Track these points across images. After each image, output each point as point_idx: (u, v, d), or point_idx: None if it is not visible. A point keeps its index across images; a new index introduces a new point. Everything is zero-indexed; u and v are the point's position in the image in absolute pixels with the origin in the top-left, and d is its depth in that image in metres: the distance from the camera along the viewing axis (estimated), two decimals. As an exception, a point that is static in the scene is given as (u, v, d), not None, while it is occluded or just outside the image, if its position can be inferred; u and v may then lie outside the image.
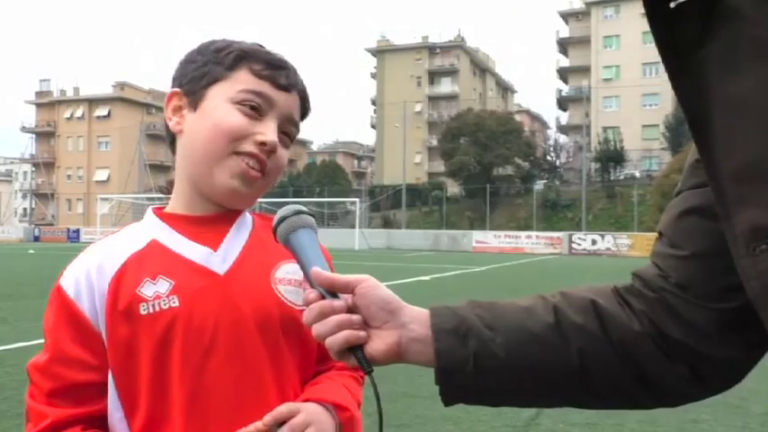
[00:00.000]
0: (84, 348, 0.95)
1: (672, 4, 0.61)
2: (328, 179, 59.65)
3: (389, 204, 54.03)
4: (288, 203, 1.21)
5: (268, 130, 0.99)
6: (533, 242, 35.80)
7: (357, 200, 42.14)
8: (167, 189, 1.12)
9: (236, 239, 1.03)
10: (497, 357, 0.75)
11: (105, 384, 0.95)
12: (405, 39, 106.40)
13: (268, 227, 0.94)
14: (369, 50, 73.90)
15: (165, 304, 0.95)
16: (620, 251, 32.61)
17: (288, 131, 1.05)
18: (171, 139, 1.08)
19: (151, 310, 0.94)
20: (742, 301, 0.68)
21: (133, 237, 1.03)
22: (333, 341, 0.76)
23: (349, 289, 0.78)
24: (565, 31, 67.60)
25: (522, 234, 37.61)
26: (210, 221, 1.03)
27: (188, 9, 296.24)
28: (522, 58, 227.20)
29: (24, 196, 73.61)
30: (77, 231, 47.92)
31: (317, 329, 0.77)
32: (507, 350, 0.75)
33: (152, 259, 0.98)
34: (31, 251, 31.28)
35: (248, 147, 0.99)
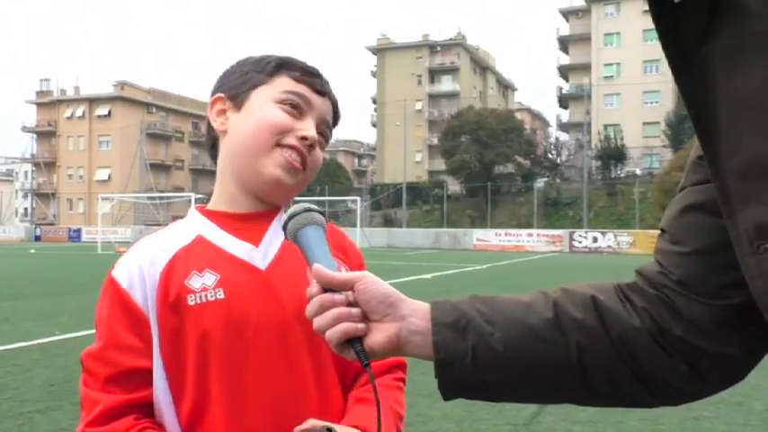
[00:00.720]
0: (137, 336, 0.99)
1: (676, 0, 0.61)
2: (329, 178, 59.60)
3: (390, 203, 54.02)
4: (304, 204, 1.20)
5: (309, 126, 1.07)
6: (534, 240, 35.78)
7: (358, 198, 42.08)
8: (208, 199, 1.18)
9: (276, 236, 1.07)
10: (496, 351, 0.75)
11: (152, 372, 0.99)
12: (405, 37, 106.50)
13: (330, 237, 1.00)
14: (369, 49, 73.84)
15: (211, 296, 1.00)
16: (622, 249, 32.58)
17: (323, 133, 1.12)
18: (211, 143, 1.14)
19: (198, 301, 0.99)
20: (743, 297, 0.68)
21: (179, 233, 1.08)
22: (332, 334, 0.77)
23: (348, 286, 0.79)
24: (565, 29, 67.54)
25: (524, 232, 37.58)
26: (252, 218, 1.08)
27: (189, 8, 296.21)
28: (523, 56, 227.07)
29: (25, 196, 73.65)
30: (78, 231, 47.94)
31: (317, 323, 0.78)
32: (506, 344, 0.75)
33: (198, 253, 1.04)
34: (33, 251, 31.32)
35: (291, 140, 1.05)
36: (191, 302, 0.99)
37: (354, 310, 0.78)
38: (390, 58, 70.75)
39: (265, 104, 1.06)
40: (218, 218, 1.08)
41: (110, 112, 67.43)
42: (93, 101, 68.82)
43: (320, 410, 1.02)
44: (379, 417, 0.80)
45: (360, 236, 36.95)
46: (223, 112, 1.10)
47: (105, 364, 0.99)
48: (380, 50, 71.85)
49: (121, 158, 64.28)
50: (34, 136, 71.95)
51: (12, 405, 4.60)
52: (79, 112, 68.61)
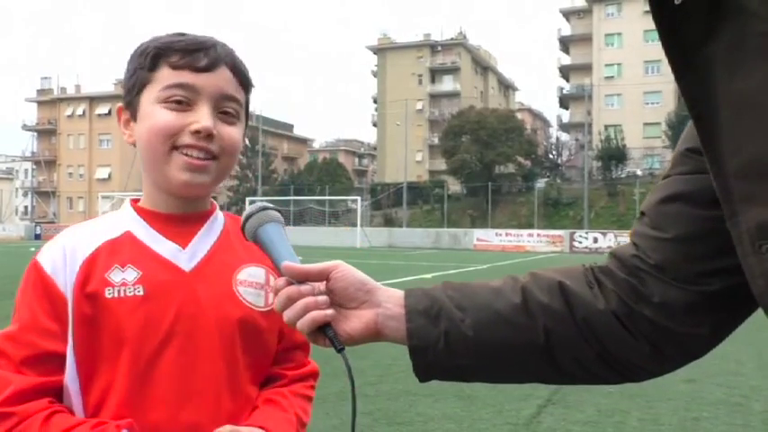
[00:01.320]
0: (56, 320, 0.99)
1: (677, 1, 0.61)
2: (329, 177, 59.60)
3: (391, 202, 53.99)
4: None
5: (200, 117, 1.01)
6: (535, 240, 35.77)
7: (358, 198, 42.12)
8: None
9: (206, 239, 1.08)
10: (466, 336, 0.78)
11: (65, 358, 0.99)
12: (406, 36, 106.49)
13: (238, 229, 0.97)
14: (370, 48, 73.82)
15: (130, 292, 0.99)
16: (622, 249, 32.50)
17: (226, 109, 1.05)
18: None
19: (116, 295, 0.99)
20: (718, 285, 0.71)
21: (109, 225, 1.08)
22: (302, 324, 0.79)
23: (324, 276, 0.81)
24: (566, 29, 67.50)
25: (524, 232, 37.58)
26: (182, 220, 1.07)
27: (190, 7, 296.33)
28: (524, 56, 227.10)
29: (25, 194, 73.65)
30: (79, 229, 47.81)
31: (286, 315, 0.80)
32: (476, 329, 0.78)
33: (124, 248, 1.03)
34: (33, 249, 31.29)
35: (185, 139, 1.01)
36: (108, 295, 0.99)
37: (321, 298, 0.80)
38: (391, 57, 70.71)
39: (152, 108, 1.03)
40: (149, 216, 1.07)
41: (110, 111, 67.32)
42: (93, 99, 68.84)
43: (230, 413, 1.02)
44: (354, 409, 0.80)
45: (360, 235, 36.95)
46: (128, 122, 1.08)
47: (22, 345, 0.98)
48: (381, 50, 71.81)
49: (122, 157, 64.27)
50: (35, 134, 71.99)
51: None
52: (80, 111, 68.64)
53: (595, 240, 34.19)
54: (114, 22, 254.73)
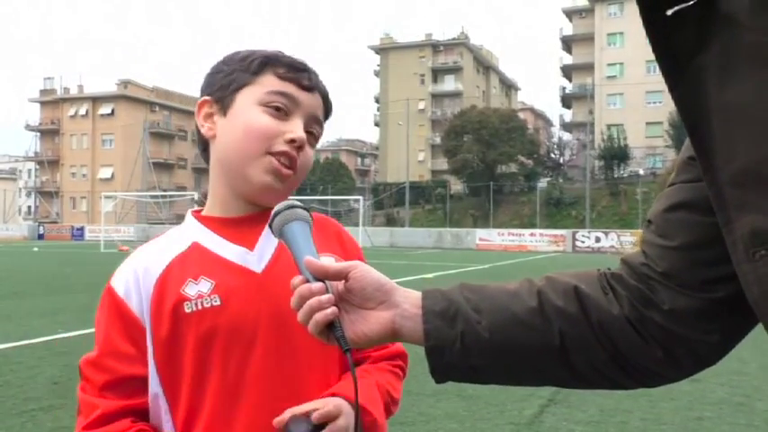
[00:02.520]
0: (133, 344, 1.00)
1: (668, 12, 0.62)
2: (331, 177, 59.63)
3: (393, 202, 53.98)
4: (289, 200, 1.21)
5: (296, 128, 1.05)
6: (537, 240, 35.74)
7: (360, 198, 42.07)
8: (203, 201, 1.18)
9: (271, 238, 1.06)
10: (482, 338, 0.79)
11: (147, 379, 1.01)
12: (408, 36, 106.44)
13: (320, 230, 1.04)
14: (372, 48, 73.80)
15: (207, 303, 1.00)
16: (625, 249, 32.50)
17: (313, 130, 1.10)
18: (203, 146, 1.13)
19: (195, 308, 1.00)
20: (725, 292, 0.71)
21: (175, 240, 1.09)
22: (310, 326, 0.80)
23: (342, 275, 0.82)
24: (569, 29, 67.40)
25: (526, 232, 37.55)
26: (246, 222, 1.08)
27: (193, 7, 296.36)
28: (526, 56, 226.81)
29: (28, 194, 73.80)
30: (81, 229, 48.03)
31: (299, 316, 0.81)
32: (492, 331, 0.79)
33: (194, 260, 1.04)
34: (36, 249, 31.39)
35: (280, 146, 1.04)
36: (187, 310, 1.00)
37: (324, 297, 0.80)
38: (393, 57, 70.70)
39: (250, 108, 1.05)
40: (212, 223, 1.09)
41: (113, 111, 67.52)
42: (96, 99, 68.91)
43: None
44: (356, 392, 0.82)
45: (362, 235, 36.94)
46: (210, 116, 1.09)
47: (102, 371, 1.00)
48: (384, 50, 71.80)
49: (124, 157, 64.37)
50: (38, 134, 72.10)
51: (15, 403, 4.61)
52: (83, 111, 68.71)
53: (597, 240, 34.15)
54: (117, 23, 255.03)
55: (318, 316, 0.79)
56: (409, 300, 0.82)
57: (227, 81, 1.07)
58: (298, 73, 1.07)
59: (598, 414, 4.40)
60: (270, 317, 1.02)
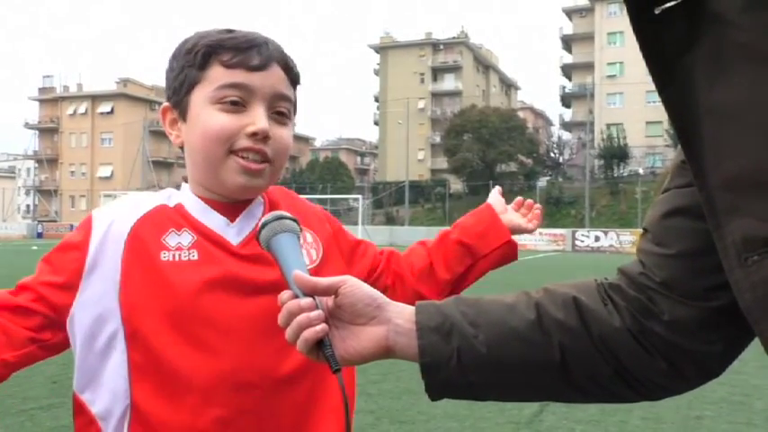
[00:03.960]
0: (65, 272, 0.99)
1: (656, 10, 0.61)
2: (331, 176, 59.56)
3: (392, 201, 53.95)
4: (277, 211, 1.20)
5: (256, 119, 0.99)
6: (536, 239, 35.71)
7: (360, 197, 42.06)
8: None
9: (253, 215, 1.07)
10: (480, 353, 0.76)
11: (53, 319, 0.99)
12: (408, 35, 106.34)
13: (285, 200, 1.08)
14: (372, 47, 73.72)
15: (185, 256, 0.99)
16: (624, 248, 32.52)
17: (280, 109, 1.03)
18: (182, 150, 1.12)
19: (171, 258, 0.99)
20: (726, 300, 0.69)
21: (162, 196, 1.08)
22: (298, 345, 0.76)
23: (332, 291, 0.79)
24: (568, 28, 67.35)
25: (525, 231, 37.49)
26: (229, 203, 1.07)
27: (192, 4, 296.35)
28: (526, 55, 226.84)
29: (27, 193, 73.69)
30: (81, 228, 47.87)
31: (287, 334, 0.77)
32: (489, 346, 0.76)
33: (176, 216, 1.04)
34: (35, 248, 31.35)
35: (242, 142, 0.99)
36: (163, 258, 0.99)
37: (314, 314, 0.76)
38: (393, 56, 70.64)
39: (204, 110, 1.00)
40: (201, 198, 1.08)
41: (112, 109, 67.42)
42: (95, 98, 68.82)
43: (290, 374, 1.01)
44: (346, 408, 0.79)
45: (362, 234, 36.93)
46: (174, 122, 1.06)
47: (46, 272, 1.00)
48: (383, 48, 71.73)
49: (124, 155, 64.31)
50: (36, 133, 72.02)
51: (14, 402, 4.61)
52: (82, 109, 68.62)
53: (597, 239, 34.13)
54: (116, 21, 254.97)
55: (307, 333, 0.75)
56: (402, 315, 0.79)
57: (178, 82, 1.04)
58: (245, 54, 1.00)
59: (598, 413, 4.40)
60: (238, 285, 1.00)
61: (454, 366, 0.76)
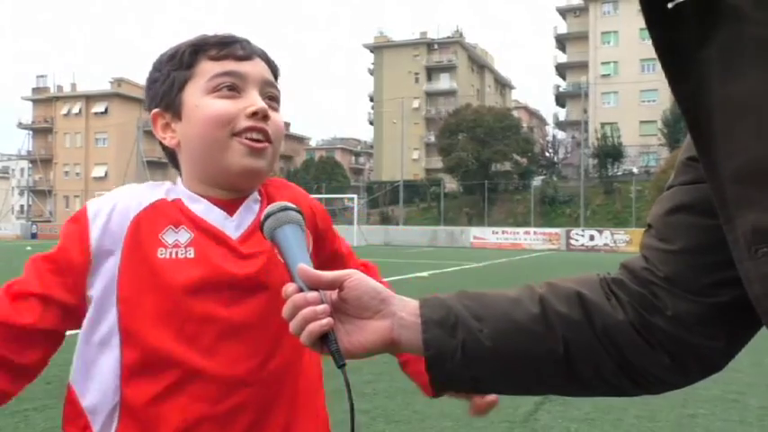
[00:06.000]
0: (73, 272, 1.00)
1: (669, 5, 0.61)
2: (326, 175, 59.51)
3: (387, 201, 53.95)
4: (282, 202, 1.20)
5: (254, 100, 1.03)
6: (531, 238, 35.79)
7: (355, 196, 42.08)
8: None
9: (251, 209, 1.08)
10: (485, 347, 0.76)
11: (70, 309, 1.00)
12: (403, 35, 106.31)
13: (282, 193, 1.10)
14: (367, 46, 73.69)
15: (181, 254, 1.00)
16: (618, 247, 32.63)
17: (271, 95, 1.08)
18: (171, 157, 1.12)
19: (168, 256, 1.00)
20: (729, 296, 0.70)
21: (161, 190, 1.08)
22: (303, 338, 0.76)
23: (336, 284, 0.79)
24: (563, 27, 67.47)
25: (521, 230, 37.60)
26: (228, 199, 1.08)
27: (185, 5, 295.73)
28: (521, 55, 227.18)
29: (21, 193, 73.44)
30: (75, 228, 47.67)
31: (291, 326, 0.77)
32: (494, 339, 0.76)
33: (174, 212, 1.04)
34: (29, 248, 31.22)
35: (244, 123, 1.02)
36: (160, 255, 1.00)
37: (320, 308, 0.76)
38: (388, 55, 70.65)
39: (200, 101, 1.03)
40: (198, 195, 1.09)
41: (107, 109, 67.27)
42: (89, 98, 68.63)
43: (287, 370, 1.03)
44: (351, 407, 0.79)
45: (357, 234, 36.93)
46: (167, 126, 1.08)
47: (47, 268, 1.00)
48: (378, 48, 71.72)
49: (118, 155, 64.13)
50: (30, 133, 71.73)
51: (8, 403, 4.59)
52: (76, 109, 68.44)
53: (592, 238, 34.22)
54: (110, 21, 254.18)
55: (313, 326, 0.75)
56: (407, 308, 0.79)
57: (167, 86, 1.06)
58: (230, 47, 1.05)
59: (593, 411, 4.41)
60: (235, 280, 1.01)
61: (459, 360, 0.76)
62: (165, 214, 1.03)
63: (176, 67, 1.05)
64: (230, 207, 1.07)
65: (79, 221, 1.02)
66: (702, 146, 0.62)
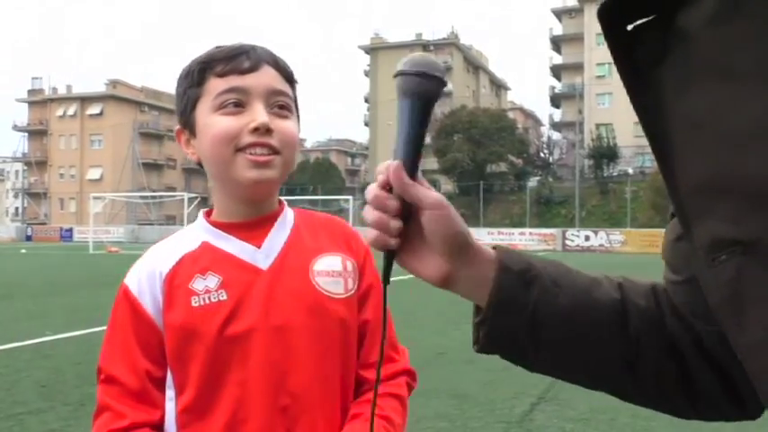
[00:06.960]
0: (151, 347, 1.06)
1: (629, 27, 0.64)
2: (322, 177, 59.53)
3: (383, 202, 53.81)
4: (281, 201, 1.21)
5: (255, 115, 1.05)
6: (527, 239, 35.84)
7: (350, 198, 41.96)
8: (202, 198, 1.21)
9: (278, 237, 1.11)
10: (557, 314, 0.72)
11: (164, 382, 1.06)
12: (398, 36, 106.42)
13: (309, 222, 1.14)
14: (362, 48, 73.74)
15: (214, 297, 1.05)
16: (614, 247, 32.70)
17: (280, 103, 1.09)
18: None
19: (202, 303, 1.04)
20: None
21: (186, 239, 1.13)
22: (368, 234, 0.73)
23: (418, 205, 0.72)
24: (558, 29, 67.66)
25: (516, 231, 37.67)
26: (256, 223, 1.11)
27: (180, 6, 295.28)
28: (516, 56, 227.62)
29: (16, 195, 73.19)
30: (70, 230, 47.67)
31: (364, 213, 0.73)
32: (570, 309, 0.73)
33: (203, 258, 1.08)
34: (24, 251, 31.15)
35: (246, 139, 1.04)
36: (194, 304, 1.04)
37: (393, 224, 0.71)
38: (383, 57, 70.66)
39: (208, 119, 1.07)
40: (222, 226, 1.12)
41: (102, 111, 67.11)
42: (84, 99, 68.48)
43: (322, 400, 1.07)
44: (373, 413, 0.83)
45: (353, 235, 36.81)
46: (189, 142, 1.12)
47: (126, 374, 1.04)
48: (373, 50, 71.81)
49: (113, 157, 64.01)
50: (25, 135, 71.54)
51: (2, 406, 4.58)
52: (71, 111, 68.25)
53: (587, 239, 34.31)
54: (105, 23, 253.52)
55: (380, 238, 0.71)
56: (481, 255, 0.74)
57: (183, 104, 1.11)
58: (235, 61, 1.07)
59: (588, 411, 4.43)
60: (273, 312, 1.05)
61: (527, 318, 0.72)
62: (193, 263, 1.08)
63: (189, 85, 1.09)
64: (257, 232, 1.10)
65: (128, 301, 1.08)
66: (662, 161, 0.64)
